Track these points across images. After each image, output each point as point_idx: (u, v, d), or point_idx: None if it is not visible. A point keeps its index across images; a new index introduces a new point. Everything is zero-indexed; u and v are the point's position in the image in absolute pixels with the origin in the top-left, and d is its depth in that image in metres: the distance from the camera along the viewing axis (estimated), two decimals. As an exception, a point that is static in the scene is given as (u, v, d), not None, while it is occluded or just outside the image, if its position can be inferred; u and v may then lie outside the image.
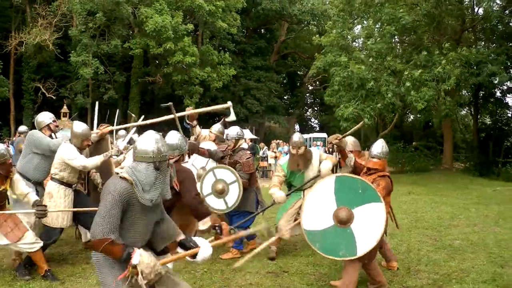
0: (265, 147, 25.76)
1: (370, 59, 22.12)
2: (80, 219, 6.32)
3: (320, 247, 5.06)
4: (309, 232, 5.16)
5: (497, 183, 19.87)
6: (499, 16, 24.79)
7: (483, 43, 27.74)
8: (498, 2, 25.52)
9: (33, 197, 5.87)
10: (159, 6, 28.74)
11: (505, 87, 30.84)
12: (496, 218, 10.15)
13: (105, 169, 6.55)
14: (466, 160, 27.76)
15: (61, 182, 6.11)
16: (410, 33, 24.82)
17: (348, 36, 25.64)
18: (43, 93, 32.16)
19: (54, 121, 6.81)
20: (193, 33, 33.11)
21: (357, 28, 27.98)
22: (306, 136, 29.61)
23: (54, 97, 32.07)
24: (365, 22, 25.77)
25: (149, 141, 3.46)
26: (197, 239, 3.77)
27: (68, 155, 6.02)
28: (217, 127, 8.13)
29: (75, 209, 6.12)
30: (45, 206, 5.83)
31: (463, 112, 33.65)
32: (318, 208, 5.18)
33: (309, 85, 47.31)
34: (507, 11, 25.27)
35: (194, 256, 3.65)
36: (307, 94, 50.25)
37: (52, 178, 6.18)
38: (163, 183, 3.52)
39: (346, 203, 5.04)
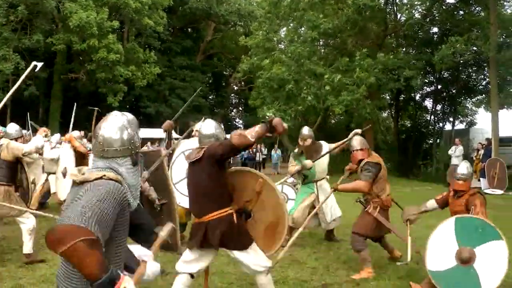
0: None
1: (292, 62, 22.50)
2: None
3: (446, 287, 5.17)
4: (434, 273, 5.26)
5: (416, 183, 20.69)
6: (419, 23, 25.82)
7: (404, 48, 28.71)
8: (420, 10, 26.59)
9: None
10: (84, 2, 28.04)
11: (424, 92, 32.16)
12: (413, 217, 10.65)
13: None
14: (387, 161, 28.41)
15: None
16: (334, 37, 25.37)
17: (274, 38, 25.96)
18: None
19: None
20: (119, 30, 32.59)
21: (284, 31, 28.37)
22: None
23: (-29, 93, 30.81)
24: (291, 25, 26.20)
25: (116, 124, 2.61)
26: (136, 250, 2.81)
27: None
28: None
29: None
30: None
31: (385, 115, 34.68)
32: (440, 249, 5.30)
33: (234, 86, 47.46)
34: (428, 18, 26.32)
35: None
36: (232, 95, 50.42)
37: None
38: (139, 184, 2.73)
39: (467, 243, 5.14)
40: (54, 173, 10.20)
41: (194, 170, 4.57)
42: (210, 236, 4.41)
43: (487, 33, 20.89)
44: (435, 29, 27.57)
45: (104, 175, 2.43)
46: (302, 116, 25.26)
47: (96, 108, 12.91)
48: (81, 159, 9.71)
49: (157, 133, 17.45)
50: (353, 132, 7.23)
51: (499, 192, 17.26)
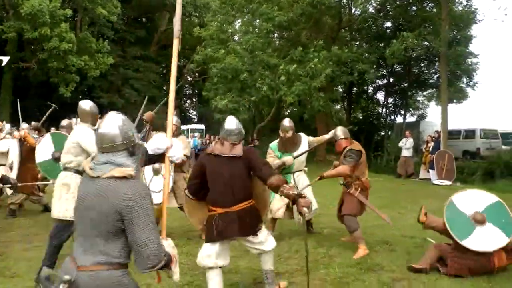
0: None
1: (246, 53, 22.55)
2: None
3: (449, 218, 6.10)
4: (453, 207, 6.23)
5: (368, 174, 21.03)
6: (373, 17, 26.21)
7: (358, 42, 29.09)
8: (374, 4, 26.98)
9: None
10: (37, -11, 27.46)
11: (376, 85, 32.72)
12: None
13: None
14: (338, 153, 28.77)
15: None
16: (289, 30, 25.52)
17: (229, 30, 25.95)
18: None
19: None
20: (72, 19, 31.92)
21: (239, 22, 28.39)
22: (184, 127, 29.60)
23: None
24: (246, 17, 26.22)
25: (114, 122, 2.90)
26: None
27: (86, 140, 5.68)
28: (175, 118, 8.16)
29: None
30: None
31: (337, 107, 35.12)
32: (469, 200, 6.28)
33: (188, 77, 47.22)
34: (381, 13, 26.74)
35: None
36: (186, 86, 50.16)
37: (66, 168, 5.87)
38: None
39: (490, 219, 6.01)
40: (4, 165, 9.99)
41: (230, 164, 4.91)
42: (237, 225, 4.77)
43: (438, 29, 21.37)
44: (388, 24, 28.06)
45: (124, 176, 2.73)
46: (256, 107, 25.38)
47: (54, 105, 12.78)
48: (30, 153, 9.41)
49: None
50: (332, 132, 7.66)
51: (448, 183, 17.73)
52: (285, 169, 7.71)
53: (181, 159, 3.49)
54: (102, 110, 31.73)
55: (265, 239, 5.05)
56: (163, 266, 2.76)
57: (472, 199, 6.28)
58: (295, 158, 7.58)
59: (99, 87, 35.50)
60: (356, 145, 7.25)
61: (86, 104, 6.13)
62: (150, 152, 3.29)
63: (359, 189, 7.13)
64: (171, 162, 3.42)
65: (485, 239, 5.89)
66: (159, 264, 2.69)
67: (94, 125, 5.92)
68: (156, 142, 3.32)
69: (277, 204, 7.54)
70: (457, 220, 6.07)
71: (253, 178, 5.06)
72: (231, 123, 5.14)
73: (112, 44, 35.63)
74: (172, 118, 3.58)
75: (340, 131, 7.41)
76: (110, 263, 2.69)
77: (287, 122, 7.83)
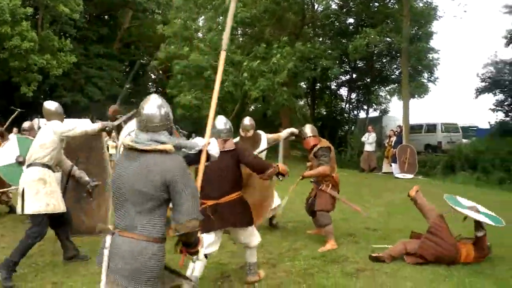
0: (107, 136, 25.26)
1: (210, 50, 22.54)
2: None
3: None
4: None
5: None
6: (336, 14, 26.45)
7: (321, 38, 29.33)
8: (336, 1, 27.25)
9: None
10: (-4, -13, 26.96)
11: (339, 81, 33.04)
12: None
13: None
14: (303, 148, 28.85)
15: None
16: (252, 26, 25.58)
17: (192, 27, 25.88)
18: None
19: None
20: (33, 17, 31.40)
21: (202, 19, 28.28)
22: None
23: None
24: (209, 13, 26.15)
25: (156, 104, 3.22)
26: None
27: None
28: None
29: None
30: None
31: (301, 103, 35.31)
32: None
33: (152, 75, 46.88)
34: (344, 9, 27.02)
35: None
36: (150, 84, 49.79)
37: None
38: None
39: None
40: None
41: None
42: (228, 216, 5.07)
43: (400, 25, 21.71)
44: (351, 20, 28.33)
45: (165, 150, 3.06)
46: (220, 105, 25.37)
47: (18, 110, 12.65)
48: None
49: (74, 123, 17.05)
50: (288, 131, 7.82)
51: (410, 176, 18.08)
52: None
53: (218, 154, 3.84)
54: (66, 109, 31.55)
55: (250, 234, 5.39)
56: (193, 245, 3.18)
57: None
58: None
59: (62, 86, 34.94)
60: (325, 143, 7.41)
61: (51, 105, 6.19)
62: (189, 151, 3.57)
63: (330, 185, 7.30)
64: (210, 159, 3.78)
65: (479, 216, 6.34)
66: (193, 226, 3.01)
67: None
68: (193, 143, 3.66)
69: None
70: (457, 203, 6.65)
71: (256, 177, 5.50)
72: (221, 122, 5.48)
73: (75, 43, 35.10)
74: (212, 120, 4.14)
75: (308, 129, 7.52)
76: (146, 236, 3.00)
77: (247, 121, 7.79)
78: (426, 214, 6.64)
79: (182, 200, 2.97)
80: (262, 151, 7.58)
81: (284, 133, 7.78)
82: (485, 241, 6.37)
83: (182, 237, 3.09)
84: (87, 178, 6.40)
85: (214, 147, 3.76)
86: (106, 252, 3.03)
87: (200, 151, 3.67)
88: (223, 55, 4.10)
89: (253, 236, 5.43)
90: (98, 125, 6.06)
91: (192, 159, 3.65)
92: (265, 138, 7.76)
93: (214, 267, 6.14)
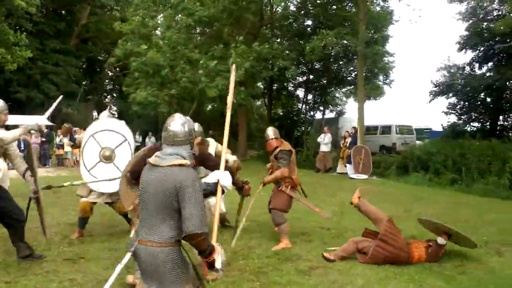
0: (81, 132, 24.67)
1: (168, 48, 22.45)
2: None
3: None
4: None
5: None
6: (294, 15, 26.66)
7: (279, 39, 29.50)
8: (295, 2, 27.47)
9: None
10: None
11: (296, 81, 33.31)
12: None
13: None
14: (260, 148, 29.04)
15: None
16: (211, 25, 25.55)
17: (150, 24, 25.69)
18: None
19: None
20: (-13, 10, 30.80)
21: (161, 16, 28.12)
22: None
23: None
24: (168, 11, 26.00)
25: (181, 122, 3.58)
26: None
27: None
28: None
29: None
30: None
31: (258, 103, 35.45)
32: None
33: (109, 72, 46.29)
34: (302, 11, 27.25)
35: None
36: (107, 81, 49.20)
37: None
38: None
39: None
40: None
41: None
42: None
43: (356, 28, 22.01)
44: (309, 22, 28.61)
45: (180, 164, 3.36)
46: (177, 103, 25.28)
47: None
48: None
49: (28, 119, 16.72)
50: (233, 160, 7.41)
51: (364, 176, 18.38)
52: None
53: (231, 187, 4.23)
54: (20, 105, 30.97)
55: None
56: (207, 253, 3.32)
57: None
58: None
59: (16, 81, 34.26)
60: (286, 145, 7.50)
61: None
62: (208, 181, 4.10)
63: (289, 186, 7.41)
64: (224, 191, 4.14)
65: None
66: (199, 236, 3.20)
67: (2, 122, 5.97)
68: (215, 177, 4.14)
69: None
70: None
71: None
72: (196, 125, 5.74)
73: (31, 37, 34.43)
74: (225, 152, 4.83)
75: (270, 131, 7.61)
76: (164, 241, 3.31)
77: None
78: (375, 221, 6.76)
79: (187, 209, 3.21)
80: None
81: (230, 162, 7.18)
82: (441, 251, 6.52)
83: (193, 244, 3.30)
84: (32, 187, 6.25)
85: (227, 180, 4.15)
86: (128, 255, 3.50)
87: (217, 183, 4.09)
88: (228, 112, 5.07)
89: None
90: (20, 130, 5.90)
91: (209, 191, 4.14)
92: (214, 146, 7.61)
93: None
